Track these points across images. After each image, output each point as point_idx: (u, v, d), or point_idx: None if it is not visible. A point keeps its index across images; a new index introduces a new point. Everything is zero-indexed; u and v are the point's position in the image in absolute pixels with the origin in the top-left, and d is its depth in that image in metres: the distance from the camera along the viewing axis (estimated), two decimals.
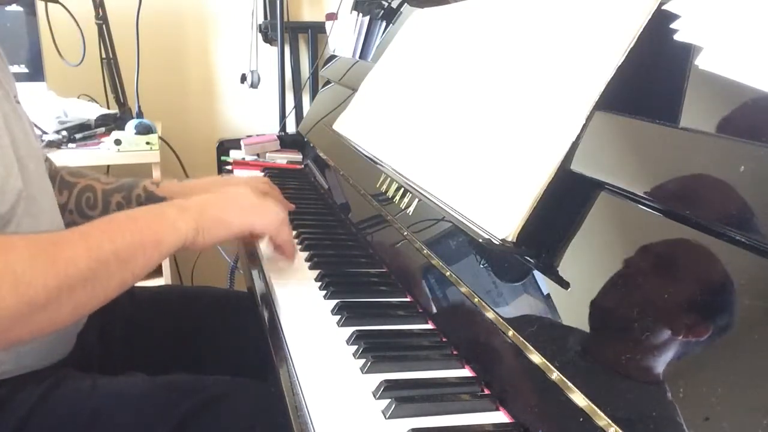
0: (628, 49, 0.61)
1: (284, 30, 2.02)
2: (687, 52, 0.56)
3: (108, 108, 1.88)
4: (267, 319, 0.77)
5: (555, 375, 0.53)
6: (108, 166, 1.73)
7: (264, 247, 0.92)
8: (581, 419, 0.48)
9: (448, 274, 0.74)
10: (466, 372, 0.64)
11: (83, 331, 0.88)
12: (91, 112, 1.76)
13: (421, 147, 0.91)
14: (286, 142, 1.59)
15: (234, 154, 1.55)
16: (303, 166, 1.52)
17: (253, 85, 2.10)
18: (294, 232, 0.98)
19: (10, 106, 0.82)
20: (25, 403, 0.73)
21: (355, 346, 0.66)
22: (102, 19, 1.74)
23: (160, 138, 1.70)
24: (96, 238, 0.66)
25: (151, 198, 1.03)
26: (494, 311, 0.64)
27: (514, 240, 0.63)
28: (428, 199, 0.83)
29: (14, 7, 1.72)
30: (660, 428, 0.44)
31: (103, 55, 1.78)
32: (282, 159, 1.53)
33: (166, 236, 0.70)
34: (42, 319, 0.61)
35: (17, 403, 0.73)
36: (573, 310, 0.56)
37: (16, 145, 0.78)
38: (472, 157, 0.77)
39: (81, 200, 1.02)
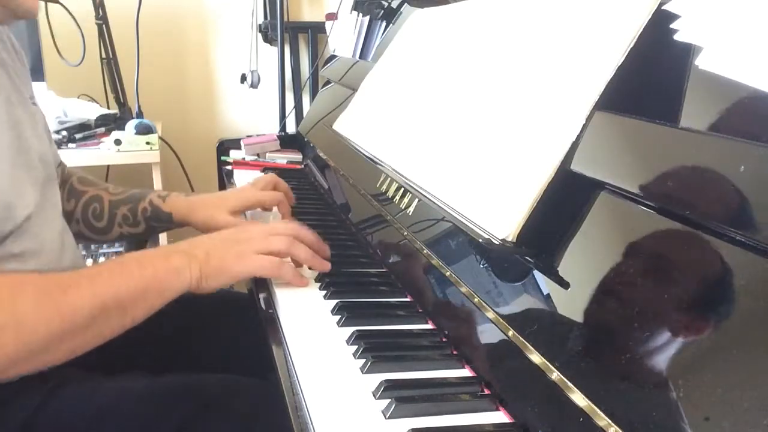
0: (628, 49, 0.61)
1: (284, 30, 2.02)
2: (687, 52, 0.56)
3: (108, 108, 1.89)
4: (267, 319, 0.77)
5: (555, 375, 0.53)
6: (108, 166, 1.73)
7: None
8: (581, 419, 0.48)
9: (448, 274, 0.74)
10: (466, 372, 0.64)
11: None
12: (91, 112, 1.76)
13: (421, 147, 0.91)
14: (286, 142, 1.59)
15: (234, 154, 1.55)
16: (303, 166, 1.52)
17: (253, 85, 2.10)
18: None
19: (25, 110, 0.82)
20: (29, 404, 0.73)
21: (355, 346, 0.66)
22: (102, 19, 1.75)
23: (160, 138, 1.70)
24: (102, 285, 0.69)
25: (157, 213, 1.03)
26: (494, 311, 0.64)
27: (514, 240, 0.63)
28: (428, 199, 0.83)
29: None
30: (660, 428, 0.44)
31: (103, 55, 1.78)
32: (282, 159, 1.53)
33: (171, 285, 0.74)
34: (38, 361, 0.66)
35: (20, 404, 0.73)
36: (573, 310, 0.56)
37: (29, 155, 0.78)
38: (472, 156, 0.77)
39: (88, 210, 1.02)
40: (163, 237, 1.65)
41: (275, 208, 1.10)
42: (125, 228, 1.03)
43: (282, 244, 0.80)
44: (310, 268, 0.85)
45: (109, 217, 1.02)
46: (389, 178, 0.97)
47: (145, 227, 1.03)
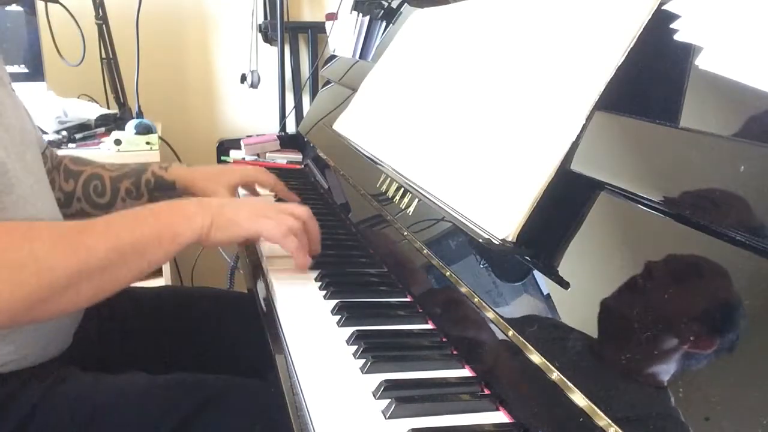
0: (628, 49, 0.61)
1: (284, 30, 2.02)
2: (687, 52, 0.56)
3: (108, 108, 1.88)
4: (267, 319, 0.76)
5: (555, 375, 0.53)
6: None
7: (264, 248, 0.92)
8: (581, 419, 0.48)
9: (448, 274, 0.74)
10: (466, 372, 0.64)
11: (80, 329, 0.88)
12: (91, 112, 1.75)
13: (421, 147, 0.91)
14: (286, 142, 1.59)
15: (234, 154, 1.55)
16: (303, 166, 1.52)
17: (253, 85, 2.10)
18: None
19: (5, 91, 0.83)
20: (28, 401, 0.74)
21: (355, 346, 0.66)
22: (102, 19, 1.74)
23: (160, 138, 1.70)
24: (116, 229, 0.71)
25: (160, 182, 1.06)
26: (494, 311, 0.64)
27: (514, 240, 0.63)
28: (428, 199, 0.83)
29: (14, 7, 1.72)
30: (660, 428, 0.44)
31: (103, 55, 1.78)
32: (282, 159, 1.53)
33: (184, 230, 0.75)
34: (62, 301, 0.67)
35: (20, 400, 0.74)
36: (573, 310, 0.56)
37: (11, 134, 0.79)
38: (472, 156, 0.77)
39: (89, 188, 1.04)
40: None
41: (273, 198, 1.14)
42: (128, 201, 1.05)
43: (291, 222, 0.81)
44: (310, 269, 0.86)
45: (112, 193, 1.04)
46: (389, 178, 0.97)
47: (148, 198, 1.06)
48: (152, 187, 1.05)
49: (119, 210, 1.04)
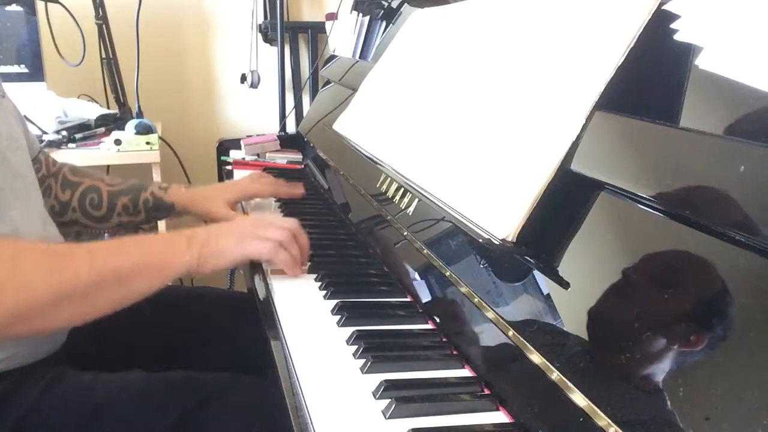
0: (628, 49, 0.61)
1: (284, 30, 2.02)
2: (687, 52, 0.56)
3: (108, 108, 1.88)
4: (266, 319, 0.76)
5: (555, 375, 0.52)
6: (108, 166, 1.73)
7: None
8: (581, 419, 0.48)
9: (448, 274, 0.74)
10: (466, 372, 0.64)
11: (77, 328, 0.88)
12: (91, 112, 1.75)
13: (421, 147, 0.91)
14: (286, 142, 1.59)
15: (234, 154, 1.55)
16: (303, 166, 1.52)
17: (253, 85, 2.10)
18: None
19: None
20: (26, 399, 0.74)
21: (355, 346, 0.66)
22: (102, 19, 1.74)
23: (160, 138, 1.70)
24: (102, 256, 0.72)
25: (159, 204, 1.06)
26: (494, 311, 0.64)
27: (514, 240, 0.63)
28: (428, 199, 0.83)
29: (14, 7, 1.72)
30: (660, 428, 0.44)
31: (103, 55, 1.78)
32: (282, 159, 1.53)
33: (171, 262, 0.76)
34: (38, 322, 0.68)
35: (18, 398, 0.74)
36: (573, 310, 0.56)
37: None
38: (472, 157, 0.77)
39: (85, 200, 1.04)
40: (161, 226, 1.67)
41: (274, 202, 1.15)
42: (125, 217, 1.06)
43: (279, 234, 0.82)
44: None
45: (109, 207, 1.05)
46: (389, 178, 0.97)
47: (145, 216, 1.07)
48: (150, 207, 1.06)
49: (114, 224, 1.06)
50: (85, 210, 1.04)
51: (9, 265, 0.65)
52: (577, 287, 0.56)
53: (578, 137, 0.62)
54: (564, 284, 0.57)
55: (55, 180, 1.04)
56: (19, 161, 0.84)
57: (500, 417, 0.57)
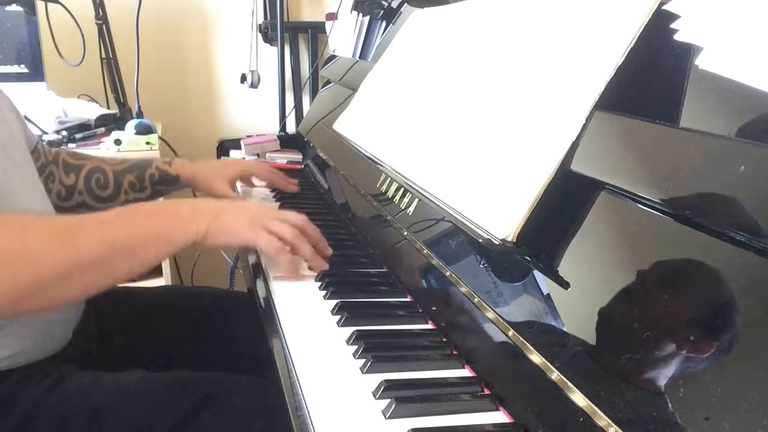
0: (628, 49, 0.61)
1: (284, 30, 2.02)
2: (687, 52, 0.56)
3: (108, 108, 1.88)
4: (267, 318, 0.76)
5: (555, 375, 0.53)
6: None
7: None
8: (581, 419, 0.48)
9: (448, 274, 0.74)
10: (466, 372, 0.64)
11: (80, 326, 0.88)
12: (91, 112, 1.75)
13: (421, 147, 0.91)
14: (286, 142, 1.59)
15: (234, 154, 1.55)
16: (303, 166, 1.52)
17: (253, 85, 2.10)
18: None
19: None
20: (29, 399, 0.74)
21: (355, 346, 0.66)
22: (102, 19, 1.74)
23: (160, 138, 1.70)
24: (110, 228, 0.71)
25: (164, 177, 1.08)
26: (494, 311, 0.64)
27: (514, 240, 0.63)
28: (428, 199, 0.83)
29: (14, 7, 1.72)
30: (660, 428, 0.44)
31: (103, 55, 1.78)
32: (282, 159, 1.53)
33: (179, 233, 0.75)
34: (52, 295, 0.68)
35: (21, 398, 0.74)
36: (573, 310, 0.56)
37: None
38: (472, 156, 0.77)
39: (91, 181, 1.05)
40: None
41: (273, 201, 1.16)
42: (131, 194, 1.07)
43: (288, 232, 0.81)
44: (309, 268, 0.86)
45: (115, 185, 1.06)
46: (389, 178, 0.97)
47: (151, 191, 1.08)
48: (156, 181, 1.07)
49: (122, 202, 1.06)
50: (92, 190, 1.05)
51: (19, 241, 0.65)
52: (577, 287, 0.56)
53: (578, 137, 0.62)
54: (564, 284, 0.57)
55: (56, 166, 1.04)
56: (21, 156, 0.85)
57: (500, 417, 0.57)
